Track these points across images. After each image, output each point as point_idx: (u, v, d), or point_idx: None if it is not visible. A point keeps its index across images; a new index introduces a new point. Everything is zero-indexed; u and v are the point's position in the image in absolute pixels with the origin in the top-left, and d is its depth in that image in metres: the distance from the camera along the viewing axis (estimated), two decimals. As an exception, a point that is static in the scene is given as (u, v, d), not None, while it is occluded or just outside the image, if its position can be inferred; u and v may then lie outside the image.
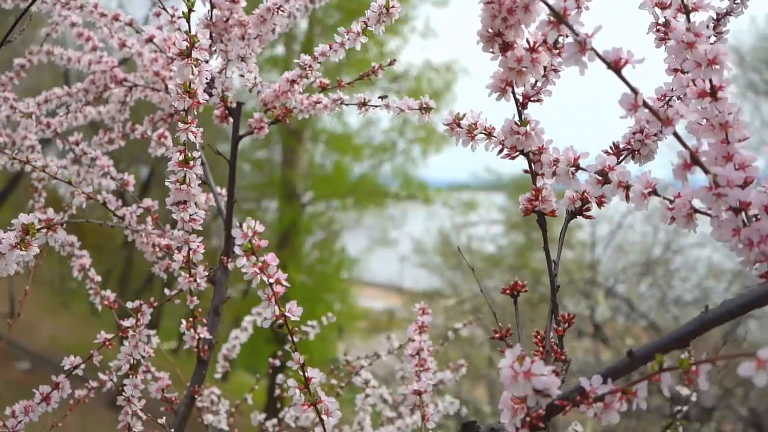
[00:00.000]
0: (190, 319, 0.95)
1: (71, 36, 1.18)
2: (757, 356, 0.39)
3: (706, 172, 0.50)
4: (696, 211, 0.54)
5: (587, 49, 0.49)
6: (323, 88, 0.98)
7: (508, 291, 0.66)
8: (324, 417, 0.64)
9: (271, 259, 0.62)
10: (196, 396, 0.97)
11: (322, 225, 12.01)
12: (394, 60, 0.99)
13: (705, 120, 0.54)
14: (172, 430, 0.93)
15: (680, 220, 0.54)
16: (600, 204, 0.66)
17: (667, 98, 0.68)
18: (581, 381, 0.51)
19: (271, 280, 0.61)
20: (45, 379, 1.04)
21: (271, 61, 9.15)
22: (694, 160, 0.51)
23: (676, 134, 0.50)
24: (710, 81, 0.53)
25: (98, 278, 1.08)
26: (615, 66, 0.50)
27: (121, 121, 1.19)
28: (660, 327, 6.13)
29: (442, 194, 11.53)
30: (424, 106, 0.84)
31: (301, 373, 0.64)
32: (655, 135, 0.67)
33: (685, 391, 1.09)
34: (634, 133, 0.67)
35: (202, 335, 0.95)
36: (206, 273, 0.90)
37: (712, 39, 0.71)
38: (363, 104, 0.94)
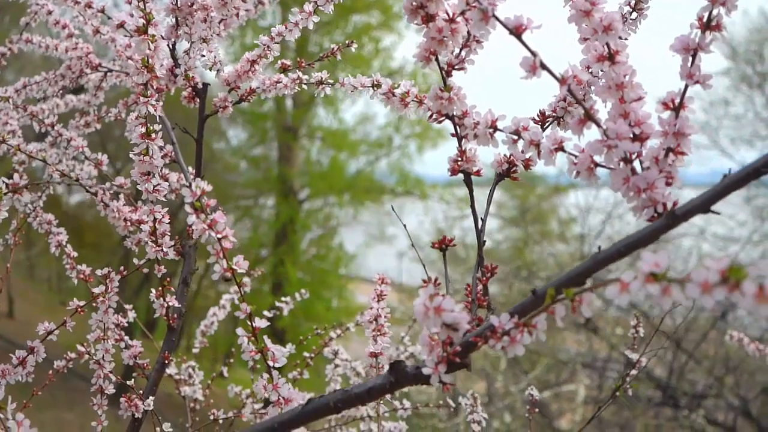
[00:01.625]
0: (159, 288, 1.00)
1: (50, 24, 1.23)
2: (620, 280, 0.44)
3: (599, 126, 0.56)
4: (597, 164, 0.59)
5: (490, 16, 0.55)
6: (284, 69, 1.03)
7: (437, 245, 0.72)
8: (270, 363, 0.69)
9: (219, 216, 0.67)
10: (167, 361, 1.03)
11: (319, 221, 12.08)
12: (353, 42, 1.05)
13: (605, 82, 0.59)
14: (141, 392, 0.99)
15: (583, 173, 0.60)
16: (527, 167, 0.72)
17: (590, 68, 0.73)
18: (491, 318, 0.56)
19: (220, 236, 0.66)
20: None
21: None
22: (588, 116, 0.56)
23: (570, 91, 0.56)
24: (608, 46, 0.58)
25: (74, 254, 1.13)
26: (516, 32, 0.55)
27: (96, 105, 1.24)
28: (650, 315, 6.19)
29: (438, 190, 11.59)
30: (375, 83, 0.89)
31: (249, 323, 0.69)
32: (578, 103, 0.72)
33: (633, 355, 1.15)
34: (558, 101, 0.72)
35: (171, 304, 1.01)
36: (173, 243, 0.95)
37: (634, 15, 0.77)
38: (320, 83, 1.00)
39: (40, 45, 1.29)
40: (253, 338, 0.68)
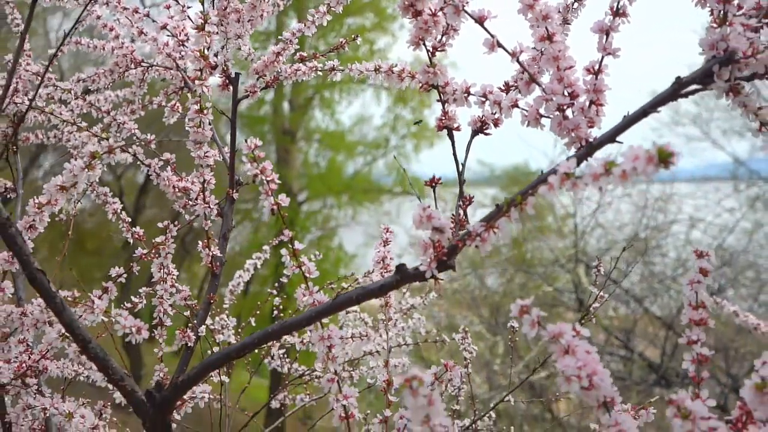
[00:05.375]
0: (205, 240, 1.22)
1: (99, 26, 1.45)
2: (548, 182, 0.67)
3: (540, 86, 0.78)
4: (541, 115, 0.82)
5: (461, 10, 0.77)
6: (302, 60, 1.26)
7: (428, 183, 0.94)
8: (307, 275, 0.92)
9: (268, 165, 0.90)
10: (212, 301, 1.25)
11: (318, 223, 12.29)
12: (357, 36, 1.27)
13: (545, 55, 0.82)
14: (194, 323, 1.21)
15: (532, 122, 0.82)
16: (496, 124, 0.94)
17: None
18: (468, 227, 0.79)
19: (268, 179, 0.89)
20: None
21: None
22: (531, 79, 0.79)
23: (519, 62, 0.78)
24: (547, 29, 0.81)
25: (129, 219, 1.36)
26: (480, 20, 0.78)
27: (140, 95, 1.47)
28: (641, 298, 6.44)
29: (436, 189, 11.80)
30: (377, 67, 1.11)
31: (291, 246, 0.92)
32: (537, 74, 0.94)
33: (594, 290, 1.37)
34: (518, 74, 0.95)
35: (214, 253, 1.23)
36: (217, 202, 1.18)
37: (576, 5, 0.99)
38: (332, 69, 1.22)
39: (88, 46, 1.51)
40: (293, 256, 0.91)
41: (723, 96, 0.72)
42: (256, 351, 1.71)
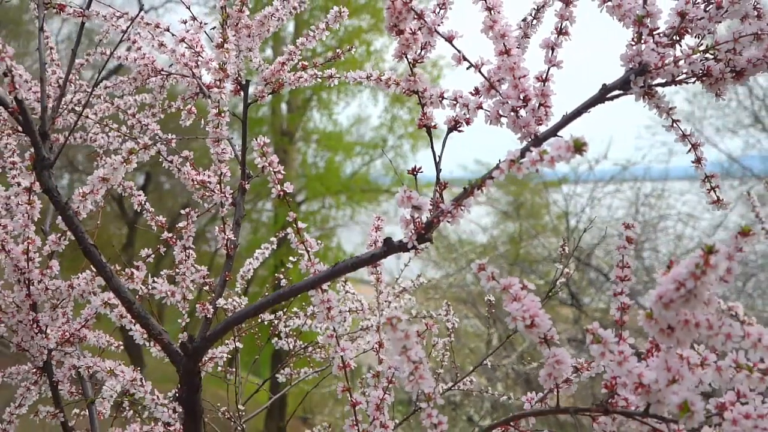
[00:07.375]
0: (221, 225, 1.41)
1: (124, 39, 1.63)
2: (499, 167, 0.85)
3: (497, 91, 0.97)
4: (500, 114, 1.00)
5: (434, 31, 0.96)
6: (304, 69, 1.45)
7: (411, 172, 1.13)
8: (309, 249, 1.10)
9: (275, 158, 1.08)
10: (227, 279, 1.43)
11: (317, 223, 12.47)
12: (352, 47, 1.46)
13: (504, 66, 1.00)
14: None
15: (493, 120, 1.01)
16: (468, 123, 1.13)
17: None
18: (441, 206, 0.97)
19: (275, 170, 1.07)
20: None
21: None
22: (491, 86, 0.97)
23: (480, 72, 0.97)
24: (504, 45, 0.99)
25: (152, 210, 1.54)
26: (449, 39, 0.96)
27: (160, 100, 1.65)
28: (633, 293, 6.64)
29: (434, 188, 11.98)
30: (369, 74, 1.30)
31: (295, 225, 1.10)
32: (498, 82, 1.13)
33: (559, 266, 1.55)
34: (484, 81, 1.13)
35: (229, 237, 1.42)
36: (232, 192, 1.36)
37: (534, 23, 1.18)
38: (330, 77, 1.41)
39: (112, 56, 1.69)
40: (298, 234, 1.09)
41: (640, 99, 0.91)
42: (266, 323, 1.90)
